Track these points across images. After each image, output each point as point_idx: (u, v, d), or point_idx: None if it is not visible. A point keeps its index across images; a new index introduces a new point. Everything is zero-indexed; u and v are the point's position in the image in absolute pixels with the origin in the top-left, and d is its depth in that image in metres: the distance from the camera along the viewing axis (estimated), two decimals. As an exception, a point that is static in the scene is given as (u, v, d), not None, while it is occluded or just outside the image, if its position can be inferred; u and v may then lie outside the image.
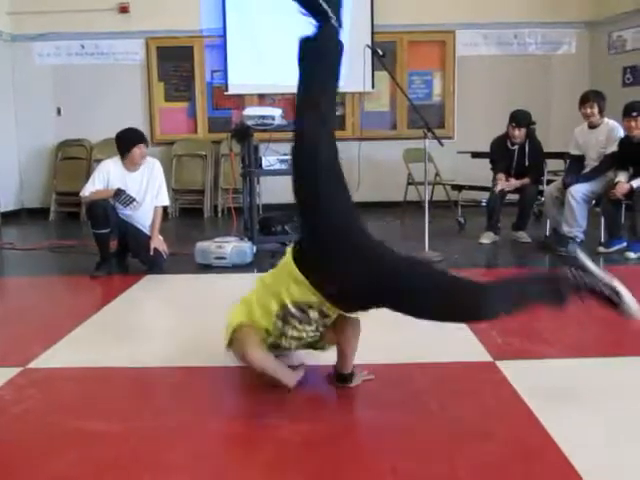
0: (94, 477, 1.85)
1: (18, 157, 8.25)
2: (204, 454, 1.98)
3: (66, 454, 1.98)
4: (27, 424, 2.21)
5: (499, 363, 2.67)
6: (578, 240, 5.07)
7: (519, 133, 5.62)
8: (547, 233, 5.64)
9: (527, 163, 5.68)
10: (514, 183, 5.66)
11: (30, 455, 1.99)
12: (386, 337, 2.91)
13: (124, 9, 7.97)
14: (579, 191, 5.09)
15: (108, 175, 4.65)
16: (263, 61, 7.94)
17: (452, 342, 2.94)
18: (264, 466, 1.90)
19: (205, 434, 2.11)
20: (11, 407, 2.33)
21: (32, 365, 2.76)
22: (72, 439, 2.07)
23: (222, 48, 8.03)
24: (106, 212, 4.51)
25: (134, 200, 4.58)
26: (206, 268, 4.75)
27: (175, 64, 8.24)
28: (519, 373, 2.55)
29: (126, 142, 4.65)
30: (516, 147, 5.69)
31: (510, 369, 2.59)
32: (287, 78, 8.68)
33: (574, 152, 5.44)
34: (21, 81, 8.15)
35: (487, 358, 2.75)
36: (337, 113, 8.27)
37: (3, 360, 2.85)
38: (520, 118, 5.63)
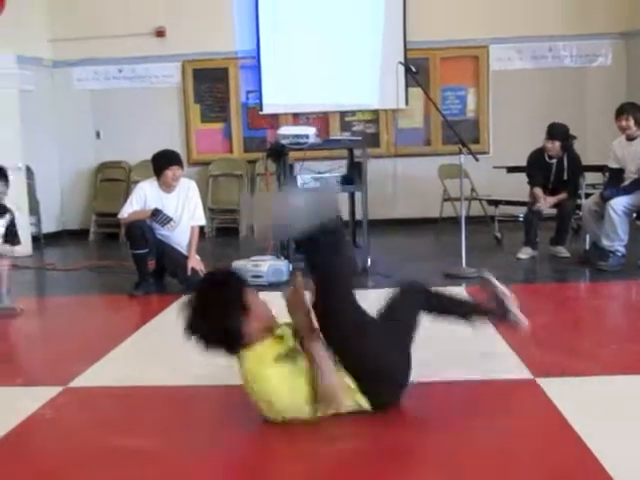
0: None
1: (60, 180, 8.43)
2: (241, 473, 1.97)
3: (106, 472, 1.99)
4: (68, 442, 2.23)
5: (540, 380, 2.62)
6: (619, 254, 4.97)
7: (552, 146, 5.54)
8: (587, 247, 5.54)
9: (565, 177, 5.60)
10: (551, 201, 5.58)
11: (71, 473, 2.01)
12: (420, 353, 2.86)
13: (161, 33, 8.13)
14: (620, 204, 5.00)
15: (145, 196, 4.72)
16: (297, 80, 8.01)
17: (493, 360, 2.90)
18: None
19: (243, 453, 2.11)
20: (52, 425, 2.37)
21: (73, 384, 2.80)
22: (112, 457, 2.09)
23: (256, 69, 8.13)
24: (144, 232, 4.58)
25: (171, 220, 4.64)
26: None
27: (210, 85, 8.35)
28: (561, 391, 2.49)
29: (160, 164, 4.73)
30: (554, 160, 5.62)
31: (552, 386, 2.54)
32: (320, 97, 8.77)
33: (613, 165, 5.35)
34: (61, 105, 8.33)
35: (529, 376, 2.70)
36: (371, 131, 8.29)
37: (45, 379, 2.89)
38: (554, 131, 5.56)
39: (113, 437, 2.24)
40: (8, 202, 4.32)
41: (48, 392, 2.68)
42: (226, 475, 1.94)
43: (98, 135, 8.39)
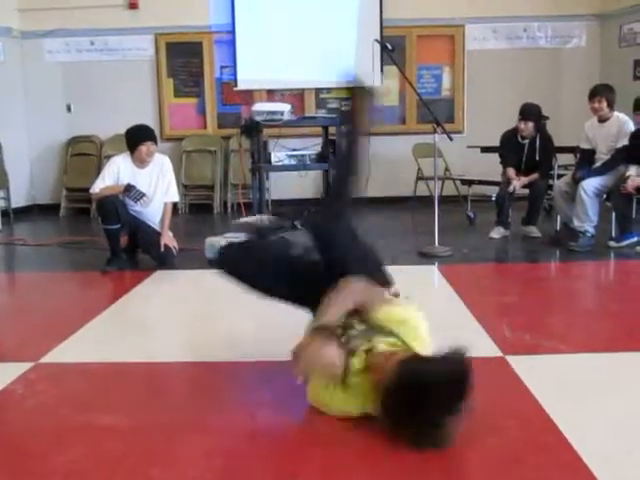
0: (104, 471, 1.86)
1: (29, 154, 8.29)
2: (214, 449, 1.98)
3: (77, 448, 1.99)
4: (39, 418, 2.22)
5: (509, 358, 2.67)
6: (589, 235, 5.05)
7: (525, 126, 5.58)
8: (557, 228, 5.62)
9: (537, 157, 5.65)
10: (524, 181, 5.62)
11: (41, 449, 2.00)
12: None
13: (133, 5, 7.98)
14: (591, 185, 5.06)
15: (118, 171, 4.67)
16: (272, 57, 7.94)
17: (463, 337, 2.93)
18: (274, 462, 1.91)
19: (215, 429, 2.12)
20: (23, 401, 2.35)
21: (44, 360, 2.78)
22: (83, 433, 2.09)
23: (231, 44, 8.03)
24: (116, 208, 4.53)
25: (144, 195, 4.60)
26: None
27: (184, 60, 8.24)
28: (529, 368, 2.54)
29: (133, 139, 4.67)
30: (526, 141, 5.66)
31: (520, 364, 2.58)
32: (296, 74, 8.71)
33: (584, 146, 5.41)
34: (31, 78, 8.17)
35: (497, 353, 2.74)
36: (347, 108, 8.26)
37: (15, 355, 2.87)
38: (527, 111, 5.59)
39: (85, 413, 2.24)
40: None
41: (19, 368, 2.65)
42: (199, 453, 1.95)
43: (69, 109, 8.25)
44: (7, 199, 7.56)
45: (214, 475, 1.84)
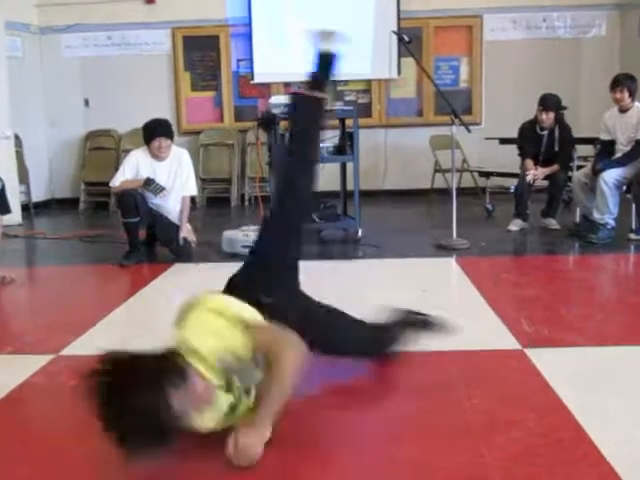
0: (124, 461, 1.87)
1: (48, 148, 8.35)
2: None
3: (97, 439, 2.00)
4: (60, 410, 2.24)
5: (528, 351, 2.65)
6: (609, 227, 4.99)
7: (547, 117, 5.53)
8: (577, 220, 5.57)
9: (556, 148, 5.60)
10: (543, 171, 5.57)
11: (63, 440, 2.02)
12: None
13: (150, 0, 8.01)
14: (611, 176, 5.00)
15: (137, 165, 4.69)
16: (288, 49, 7.91)
17: (481, 330, 2.93)
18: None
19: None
20: (44, 393, 2.38)
21: (64, 352, 2.81)
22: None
23: (248, 37, 8.03)
24: (136, 201, 4.56)
25: (164, 189, 4.62)
26: (233, 257, 4.77)
27: (201, 54, 8.26)
28: (548, 361, 2.53)
29: (147, 134, 4.70)
30: (545, 132, 5.60)
31: (539, 357, 2.57)
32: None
33: (604, 137, 5.35)
34: (49, 73, 8.23)
35: (516, 346, 2.73)
36: (363, 101, 8.23)
37: (36, 347, 2.90)
38: (548, 102, 5.54)
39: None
40: (-3, 170, 4.29)
41: (39, 360, 2.68)
42: (217, 446, 1.96)
43: (87, 103, 8.30)
44: (27, 193, 7.63)
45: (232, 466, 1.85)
